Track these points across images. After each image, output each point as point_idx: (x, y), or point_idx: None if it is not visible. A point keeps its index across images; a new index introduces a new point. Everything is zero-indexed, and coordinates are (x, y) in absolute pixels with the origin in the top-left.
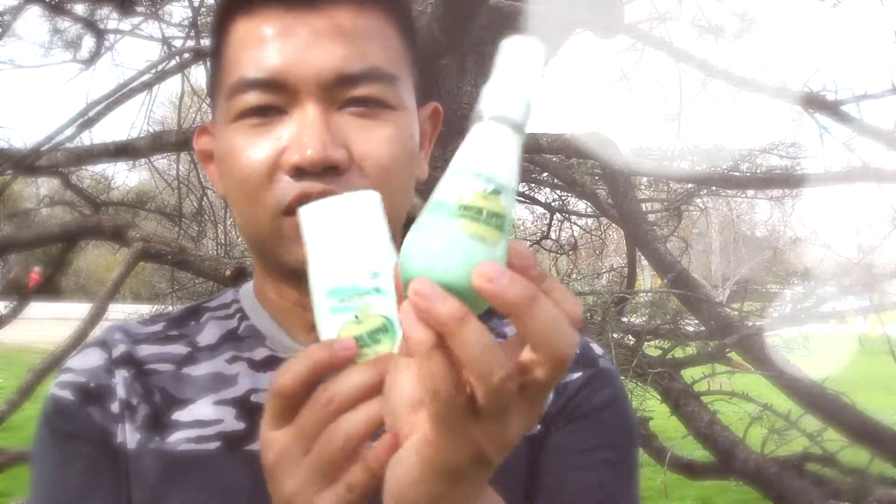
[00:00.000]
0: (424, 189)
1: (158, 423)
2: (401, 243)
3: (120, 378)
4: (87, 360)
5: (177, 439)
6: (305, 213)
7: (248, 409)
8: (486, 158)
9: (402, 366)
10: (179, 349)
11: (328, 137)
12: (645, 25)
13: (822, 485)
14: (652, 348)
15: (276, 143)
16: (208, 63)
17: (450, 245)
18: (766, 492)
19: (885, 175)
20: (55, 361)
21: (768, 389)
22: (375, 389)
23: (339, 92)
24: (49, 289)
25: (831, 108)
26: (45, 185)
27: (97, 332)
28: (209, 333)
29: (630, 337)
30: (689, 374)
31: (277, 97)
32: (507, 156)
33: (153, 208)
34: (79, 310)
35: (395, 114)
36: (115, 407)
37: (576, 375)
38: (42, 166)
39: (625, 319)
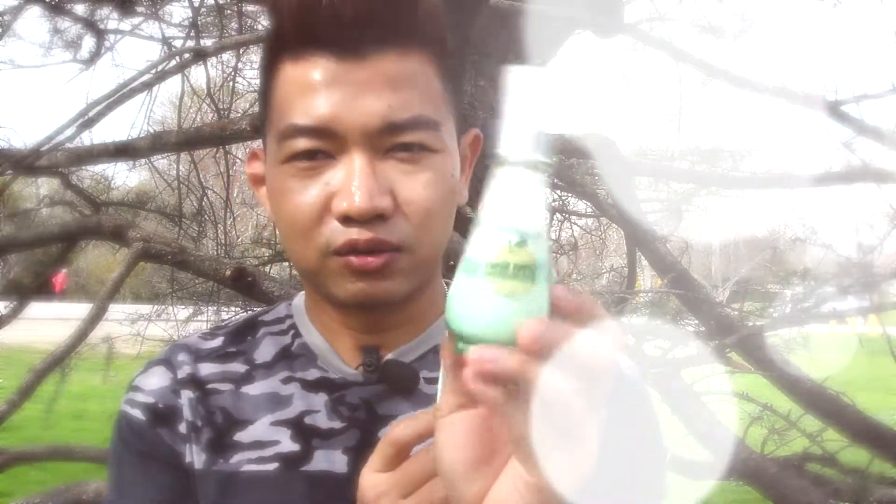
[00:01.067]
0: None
1: (220, 444)
2: (440, 276)
3: (185, 399)
4: (154, 381)
5: (238, 460)
6: None
7: (302, 430)
8: (508, 208)
9: (449, 428)
10: (238, 367)
11: (375, 186)
12: (645, 25)
13: (822, 485)
14: (652, 348)
15: (325, 188)
16: (256, 96)
17: (483, 307)
18: (766, 492)
19: (885, 175)
20: (55, 361)
21: (768, 389)
22: None
23: (384, 140)
24: (49, 289)
25: (831, 108)
26: (45, 185)
27: (97, 332)
28: (265, 350)
29: (630, 337)
30: (689, 374)
31: (325, 143)
32: (529, 200)
33: (153, 208)
34: (79, 310)
35: (437, 157)
36: (182, 428)
37: None
38: (42, 166)
39: (625, 319)
